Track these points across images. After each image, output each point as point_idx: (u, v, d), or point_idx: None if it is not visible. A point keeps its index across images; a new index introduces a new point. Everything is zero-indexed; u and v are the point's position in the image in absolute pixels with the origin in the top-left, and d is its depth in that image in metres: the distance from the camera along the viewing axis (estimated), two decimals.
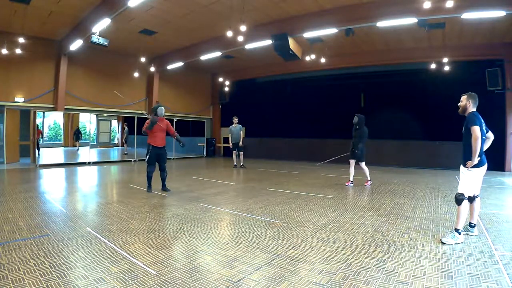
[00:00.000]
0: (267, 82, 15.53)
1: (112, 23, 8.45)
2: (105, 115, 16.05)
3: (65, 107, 11.53)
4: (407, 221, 4.20)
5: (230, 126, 10.79)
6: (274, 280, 2.47)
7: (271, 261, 2.85)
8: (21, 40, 9.08)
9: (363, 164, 7.11)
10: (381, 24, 7.87)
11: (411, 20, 7.55)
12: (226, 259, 2.88)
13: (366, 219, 4.31)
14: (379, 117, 11.10)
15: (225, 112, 16.85)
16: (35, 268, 2.57)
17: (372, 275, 2.55)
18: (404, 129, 11.77)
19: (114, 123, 19.90)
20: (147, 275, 2.51)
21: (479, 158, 3.28)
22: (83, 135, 15.66)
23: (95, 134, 18.54)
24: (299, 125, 14.44)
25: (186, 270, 2.62)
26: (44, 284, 2.30)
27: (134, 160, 12.77)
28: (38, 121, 12.50)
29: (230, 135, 10.81)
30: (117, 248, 3.07)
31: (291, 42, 9.19)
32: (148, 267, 2.66)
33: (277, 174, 9.43)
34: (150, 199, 5.51)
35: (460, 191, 3.40)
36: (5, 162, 10.32)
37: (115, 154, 16.20)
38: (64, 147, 16.51)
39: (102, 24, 8.32)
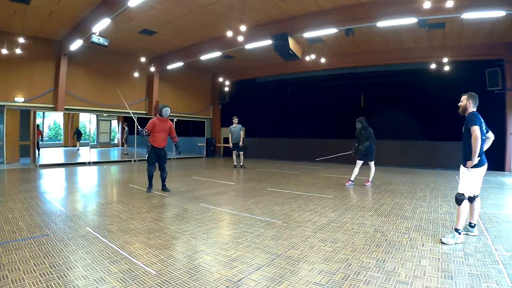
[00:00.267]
0: (267, 82, 15.52)
1: (112, 23, 8.45)
2: (105, 115, 16.02)
3: (65, 107, 11.53)
4: (407, 221, 4.20)
5: (230, 126, 10.78)
6: (274, 280, 2.47)
7: (271, 261, 2.85)
8: (21, 40, 9.07)
9: (372, 164, 7.19)
10: (381, 24, 7.88)
11: (411, 20, 7.56)
12: (226, 259, 2.88)
13: (366, 219, 4.31)
14: (379, 117, 11.09)
15: (225, 112, 16.85)
16: (35, 268, 2.57)
17: (372, 275, 2.55)
18: (404, 129, 11.78)
19: (114, 123, 19.88)
20: (147, 275, 2.52)
21: (479, 158, 3.27)
22: (83, 135, 15.65)
23: (95, 134, 18.52)
24: (299, 125, 14.45)
25: (186, 270, 2.62)
26: (44, 284, 2.30)
27: (134, 160, 12.77)
28: (38, 121, 12.47)
29: (230, 135, 10.81)
30: (117, 248, 3.07)
31: (291, 42, 9.20)
32: (148, 267, 2.66)
33: (277, 174, 9.43)
34: (150, 199, 5.51)
35: (460, 191, 3.40)
36: (5, 162, 10.32)
37: (115, 154, 16.19)
38: (64, 147, 16.49)
39: (102, 24, 8.33)
